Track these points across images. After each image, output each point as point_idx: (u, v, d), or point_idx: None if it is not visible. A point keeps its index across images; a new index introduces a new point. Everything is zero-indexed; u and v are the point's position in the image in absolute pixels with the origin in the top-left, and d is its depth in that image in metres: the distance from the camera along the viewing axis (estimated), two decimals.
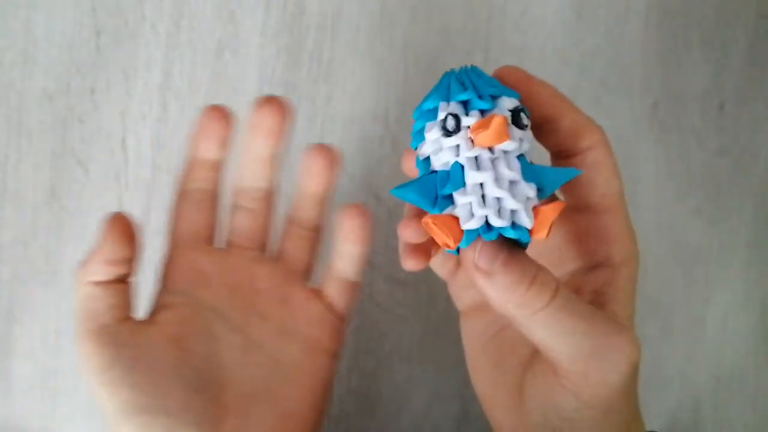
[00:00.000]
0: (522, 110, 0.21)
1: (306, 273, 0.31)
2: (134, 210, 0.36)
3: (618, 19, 0.37)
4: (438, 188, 0.21)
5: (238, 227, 0.30)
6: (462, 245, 0.20)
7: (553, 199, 0.26)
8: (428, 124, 0.21)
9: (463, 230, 0.20)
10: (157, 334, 0.27)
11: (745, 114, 0.38)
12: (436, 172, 0.21)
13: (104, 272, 0.26)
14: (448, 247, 0.21)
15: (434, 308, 0.37)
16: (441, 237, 0.20)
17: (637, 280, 0.24)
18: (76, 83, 0.36)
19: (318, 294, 0.30)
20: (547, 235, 0.20)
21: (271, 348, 0.29)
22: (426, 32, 0.37)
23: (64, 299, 0.36)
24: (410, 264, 0.25)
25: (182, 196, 0.29)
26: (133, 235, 0.27)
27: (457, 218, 0.20)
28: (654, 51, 0.37)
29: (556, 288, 0.21)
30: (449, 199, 0.21)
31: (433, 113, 0.21)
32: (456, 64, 0.36)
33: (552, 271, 0.25)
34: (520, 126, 0.21)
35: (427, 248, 0.25)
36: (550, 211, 0.20)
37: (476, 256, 0.21)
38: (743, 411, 0.38)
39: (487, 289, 0.21)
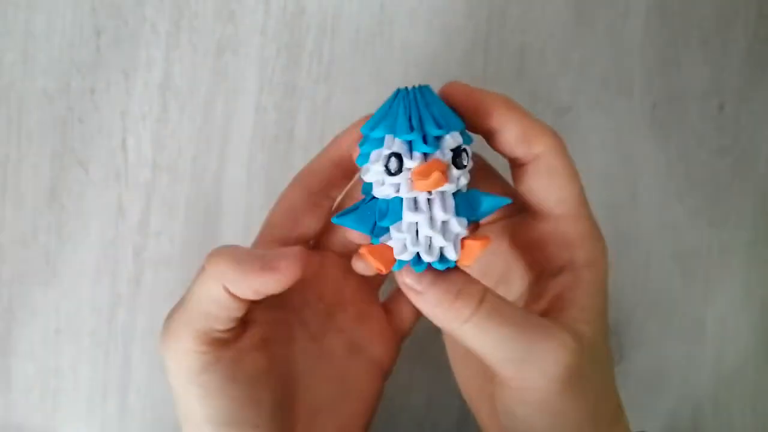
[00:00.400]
0: (464, 150, 0.22)
1: (380, 284, 0.30)
2: (134, 210, 0.36)
3: (618, 19, 0.37)
4: (377, 218, 0.22)
5: (343, 234, 0.27)
6: (395, 269, 0.22)
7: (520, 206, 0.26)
8: (373, 153, 0.22)
9: (396, 259, 0.22)
10: (251, 336, 0.25)
11: (745, 114, 0.38)
12: (376, 199, 0.23)
13: (250, 294, 0.23)
14: (381, 272, 0.22)
15: None
16: (375, 263, 0.22)
17: (604, 282, 0.24)
18: (76, 83, 0.36)
19: (389, 311, 0.30)
20: (472, 264, 0.22)
21: (340, 362, 0.28)
22: (426, 32, 0.37)
23: (64, 299, 0.36)
24: (359, 266, 0.25)
25: (312, 195, 0.27)
26: (298, 278, 0.23)
27: (390, 247, 0.22)
28: (654, 51, 0.37)
29: (481, 298, 0.22)
30: (386, 229, 0.22)
31: (379, 142, 0.22)
32: (456, 64, 0.37)
33: (518, 281, 0.26)
34: (459, 167, 0.22)
35: None
36: (476, 245, 0.22)
37: (406, 278, 0.22)
38: (743, 411, 0.38)
39: (420, 305, 0.22)
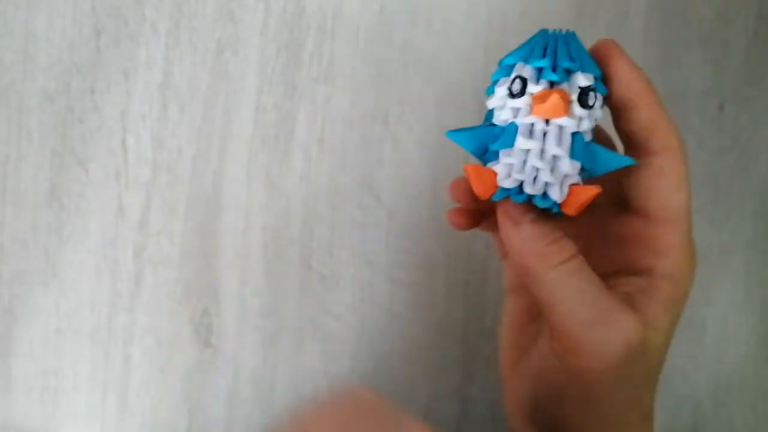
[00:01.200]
0: (592, 90, 0.21)
1: None
2: (134, 210, 0.36)
3: (618, 19, 0.37)
4: (490, 142, 0.22)
5: None
6: (494, 198, 0.22)
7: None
8: (502, 79, 0.22)
9: (498, 186, 0.22)
10: None
11: (745, 114, 0.37)
12: (494, 126, 0.22)
13: None
14: (480, 196, 0.22)
15: (434, 308, 0.37)
16: (477, 186, 0.22)
17: (683, 300, 0.24)
18: (76, 83, 0.36)
19: None
20: (576, 213, 0.21)
21: None
22: (426, 32, 0.37)
23: (64, 299, 0.36)
24: (454, 221, 0.25)
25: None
26: None
27: (495, 173, 0.22)
28: (654, 51, 0.37)
29: (575, 253, 0.22)
30: (496, 154, 0.22)
31: (509, 69, 0.22)
32: (456, 64, 0.37)
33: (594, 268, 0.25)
34: (584, 105, 0.21)
35: (475, 214, 0.25)
36: (583, 191, 0.21)
37: (510, 205, 0.22)
38: (743, 411, 0.38)
39: (513, 236, 0.22)
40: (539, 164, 0.21)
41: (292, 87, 0.36)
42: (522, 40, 0.37)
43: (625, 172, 0.23)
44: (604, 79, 0.22)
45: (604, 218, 0.26)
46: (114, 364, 0.36)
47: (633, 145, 0.23)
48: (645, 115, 0.23)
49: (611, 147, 0.26)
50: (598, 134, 0.24)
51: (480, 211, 0.26)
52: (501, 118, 0.22)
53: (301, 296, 0.37)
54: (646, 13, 0.37)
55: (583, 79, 0.21)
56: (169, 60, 0.36)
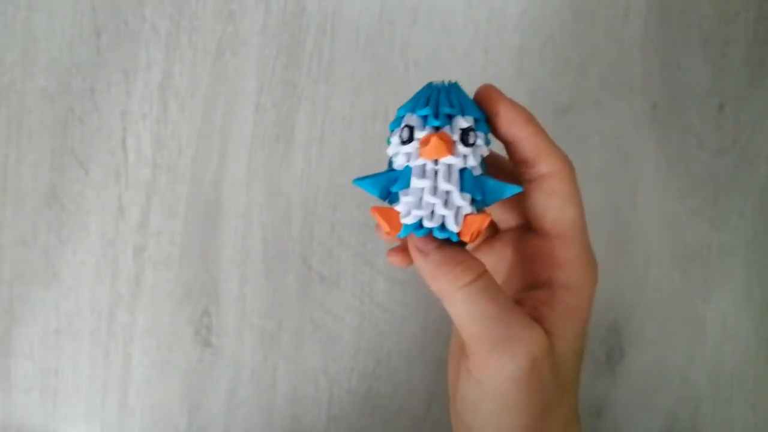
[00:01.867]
0: (473, 130, 0.24)
1: None
2: (134, 210, 0.36)
3: (618, 19, 0.37)
4: (391, 185, 0.25)
5: None
6: (400, 235, 0.24)
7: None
8: (396, 129, 0.25)
9: (402, 223, 0.24)
10: None
11: (745, 114, 0.37)
12: (393, 170, 0.25)
13: None
14: (388, 234, 0.25)
15: (434, 308, 0.37)
16: (384, 226, 0.24)
17: (585, 309, 0.25)
18: (76, 83, 0.36)
19: None
20: (472, 240, 0.24)
21: None
22: (426, 32, 0.37)
23: (64, 299, 0.36)
24: (393, 260, 0.28)
25: None
26: None
27: (398, 212, 0.24)
28: (654, 51, 0.37)
29: (480, 273, 0.24)
30: (397, 196, 0.25)
31: (401, 120, 0.25)
32: (456, 64, 0.37)
33: (513, 288, 0.28)
34: (467, 144, 0.24)
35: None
36: (476, 220, 0.24)
37: (416, 239, 0.24)
38: (743, 411, 0.38)
39: (423, 265, 0.24)
40: (433, 199, 0.23)
41: (292, 87, 0.36)
42: (522, 39, 0.37)
43: (525, 196, 0.26)
44: (489, 120, 0.25)
45: (519, 239, 0.28)
46: (114, 364, 0.36)
47: (523, 173, 0.26)
48: (529, 145, 0.25)
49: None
50: (503, 165, 0.28)
51: None
52: (398, 163, 0.25)
53: (301, 296, 0.37)
54: (646, 13, 0.37)
55: (463, 122, 0.24)
56: (169, 60, 0.36)
